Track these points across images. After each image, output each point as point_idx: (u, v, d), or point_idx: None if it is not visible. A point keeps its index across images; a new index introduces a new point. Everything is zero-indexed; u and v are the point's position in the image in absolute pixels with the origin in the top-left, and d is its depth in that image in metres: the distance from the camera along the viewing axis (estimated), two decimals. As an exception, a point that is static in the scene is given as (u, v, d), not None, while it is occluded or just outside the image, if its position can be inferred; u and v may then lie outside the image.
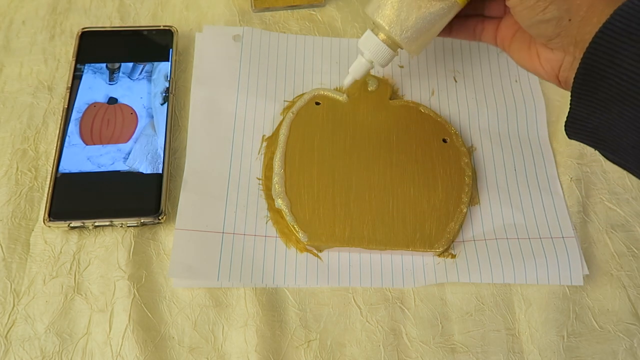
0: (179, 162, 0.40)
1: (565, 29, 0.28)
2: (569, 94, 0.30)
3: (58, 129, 0.39)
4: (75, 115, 0.40)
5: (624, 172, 0.41)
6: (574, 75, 0.28)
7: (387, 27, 0.34)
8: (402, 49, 0.35)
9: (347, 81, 0.38)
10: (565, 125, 0.30)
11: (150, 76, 0.42)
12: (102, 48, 0.43)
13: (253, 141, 0.41)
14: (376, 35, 0.35)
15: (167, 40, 0.44)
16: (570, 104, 0.29)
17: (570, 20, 0.28)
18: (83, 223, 0.36)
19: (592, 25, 0.27)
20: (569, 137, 0.30)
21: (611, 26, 0.25)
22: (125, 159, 0.38)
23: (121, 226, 0.37)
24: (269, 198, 0.39)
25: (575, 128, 0.29)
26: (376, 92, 0.43)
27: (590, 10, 0.27)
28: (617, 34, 0.25)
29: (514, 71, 0.45)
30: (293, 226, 0.37)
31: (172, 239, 0.37)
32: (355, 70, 0.37)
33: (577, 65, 0.27)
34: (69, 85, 0.41)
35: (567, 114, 0.29)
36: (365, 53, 0.36)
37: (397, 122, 0.41)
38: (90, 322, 0.34)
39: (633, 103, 0.25)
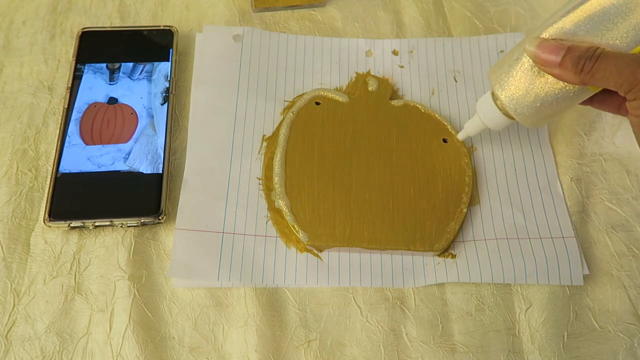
0: (179, 162, 0.40)
1: None
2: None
3: (58, 129, 0.39)
4: (76, 115, 0.40)
5: (624, 171, 0.41)
6: None
7: (503, 100, 0.33)
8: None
9: (461, 136, 0.39)
10: None
11: (151, 76, 0.42)
12: (102, 48, 0.43)
13: (253, 141, 0.41)
14: (494, 100, 0.34)
15: (167, 40, 0.44)
16: None
17: None
18: (83, 223, 0.36)
19: None
20: None
21: None
22: (126, 159, 0.38)
23: (121, 226, 0.37)
24: (269, 198, 0.39)
25: None
26: (376, 92, 0.43)
27: None
28: None
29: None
30: (293, 226, 0.37)
31: (172, 239, 0.37)
32: (470, 128, 0.38)
33: None
34: (69, 85, 0.41)
35: None
36: (481, 115, 0.36)
37: (397, 122, 0.41)
38: (90, 322, 0.34)
39: None
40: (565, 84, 0.31)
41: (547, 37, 0.30)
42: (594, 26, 0.29)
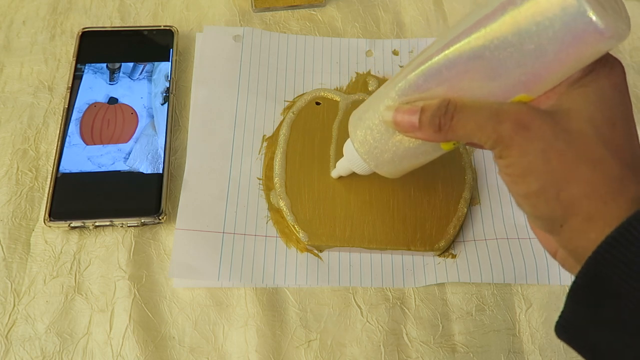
0: (179, 162, 0.40)
1: (557, 233, 0.23)
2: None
3: (58, 129, 0.39)
4: (76, 115, 0.40)
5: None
6: (569, 273, 0.24)
7: (362, 155, 0.31)
8: None
9: (334, 175, 0.38)
10: (556, 326, 0.24)
11: (151, 76, 0.42)
12: (102, 48, 0.43)
13: (253, 141, 0.41)
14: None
15: (167, 40, 0.44)
16: (564, 305, 0.23)
17: (562, 226, 0.23)
18: (83, 223, 0.36)
19: (588, 241, 0.22)
20: (558, 337, 0.24)
21: (608, 255, 0.20)
22: (126, 159, 0.38)
23: (121, 226, 0.37)
24: (269, 198, 0.39)
25: (568, 333, 0.24)
26: (376, 92, 0.43)
27: (588, 224, 0.22)
28: (614, 259, 0.20)
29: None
30: (293, 226, 0.37)
31: (172, 239, 0.37)
32: (340, 168, 0.37)
33: (573, 272, 0.23)
34: (70, 85, 0.41)
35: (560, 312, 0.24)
36: (347, 159, 0.35)
37: (398, 122, 0.41)
38: (90, 322, 0.34)
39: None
40: (421, 141, 0.28)
41: (401, 95, 0.27)
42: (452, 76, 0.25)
